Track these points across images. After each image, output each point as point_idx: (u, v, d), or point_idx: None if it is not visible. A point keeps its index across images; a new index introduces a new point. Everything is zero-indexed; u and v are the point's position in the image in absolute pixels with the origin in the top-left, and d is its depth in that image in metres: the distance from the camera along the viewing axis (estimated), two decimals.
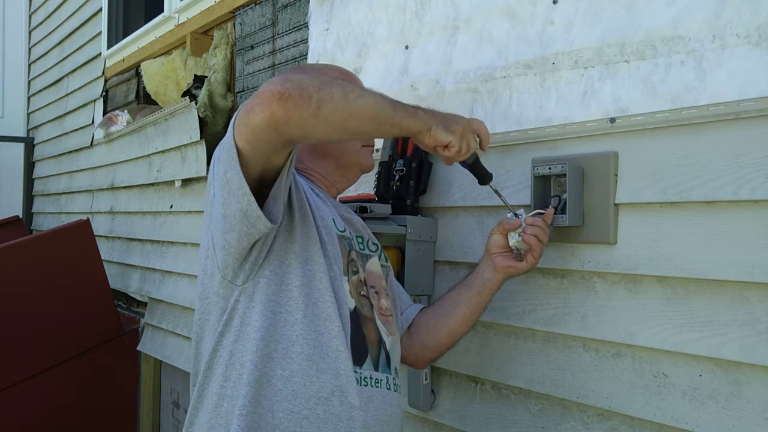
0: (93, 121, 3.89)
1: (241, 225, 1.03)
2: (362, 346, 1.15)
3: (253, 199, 1.00)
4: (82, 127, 4.07)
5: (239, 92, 2.50)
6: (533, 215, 1.24)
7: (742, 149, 1.06)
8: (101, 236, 3.56)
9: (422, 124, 1.09)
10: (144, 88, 3.20)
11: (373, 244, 1.29)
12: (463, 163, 1.20)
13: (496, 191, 1.25)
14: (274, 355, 1.06)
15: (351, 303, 1.15)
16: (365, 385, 1.12)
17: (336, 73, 1.29)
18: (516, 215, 1.23)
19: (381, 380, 1.15)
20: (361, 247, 1.24)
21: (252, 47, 2.43)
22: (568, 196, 1.25)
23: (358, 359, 1.12)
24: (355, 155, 1.28)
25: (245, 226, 1.03)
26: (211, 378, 1.10)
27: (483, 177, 1.23)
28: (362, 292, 1.19)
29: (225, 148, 1.02)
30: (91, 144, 3.88)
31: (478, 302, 1.29)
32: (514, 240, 1.23)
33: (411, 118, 1.08)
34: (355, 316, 1.15)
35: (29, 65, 5.27)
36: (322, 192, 1.25)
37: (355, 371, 1.11)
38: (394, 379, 1.19)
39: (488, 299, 1.29)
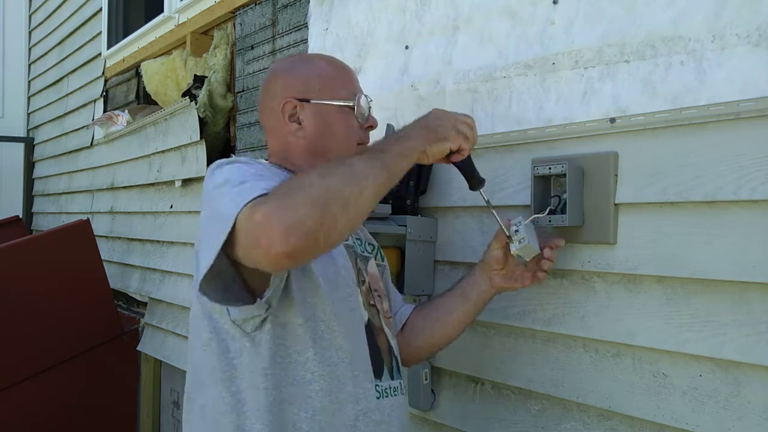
0: (93, 121, 3.89)
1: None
2: (378, 358, 1.15)
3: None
4: (82, 127, 4.07)
5: (239, 92, 2.50)
6: (531, 221, 1.23)
7: (742, 149, 1.06)
8: (101, 236, 3.56)
9: (416, 151, 1.06)
10: (144, 88, 3.20)
11: (369, 244, 1.28)
12: (456, 163, 1.16)
13: (487, 201, 1.22)
14: (294, 399, 1.03)
15: (365, 315, 1.15)
16: (385, 397, 1.13)
17: (327, 65, 1.24)
18: (515, 230, 1.21)
19: (397, 388, 1.17)
20: (362, 249, 1.23)
21: (252, 47, 2.43)
22: (568, 196, 1.25)
23: (377, 373, 1.13)
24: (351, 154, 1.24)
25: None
26: (218, 429, 1.04)
27: (475, 181, 1.19)
28: (371, 302, 1.18)
29: (218, 220, 0.91)
30: (91, 144, 3.88)
31: (474, 310, 1.31)
32: (515, 248, 1.21)
33: (404, 158, 1.04)
34: (370, 330, 1.15)
35: (29, 65, 5.28)
36: None
37: (376, 385, 1.12)
38: (402, 382, 1.20)
39: (483, 307, 1.31)
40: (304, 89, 1.18)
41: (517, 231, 1.21)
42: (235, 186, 0.94)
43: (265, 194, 0.89)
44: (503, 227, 1.21)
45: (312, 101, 1.18)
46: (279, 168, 1.15)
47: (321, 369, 1.05)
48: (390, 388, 1.15)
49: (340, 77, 1.22)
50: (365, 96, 1.22)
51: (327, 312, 1.07)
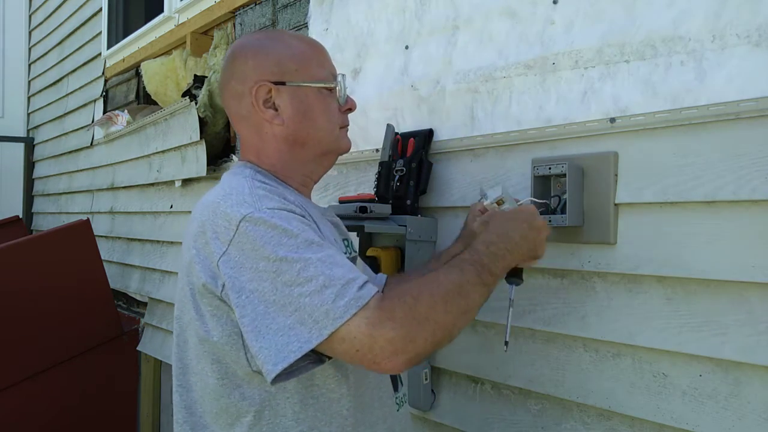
0: (93, 122, 3.89)
1: None
2: None
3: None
4: (82, 127, 4.07)
5: None
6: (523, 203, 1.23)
7: (742, 149, 1.06)
8: (101, 236, 3.56)
9: (511, 267, 1.09)
10: (144, 88, 3.20)
11: (351, 242, 1.22)
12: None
13: (511, 299, 1.19)
14: None
15: None
16: (402, 405, 1.15)
17: (300, 43, 1.13)
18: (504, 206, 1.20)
19: (406, 393, 1.19)
20: (349, 251, 1.17)
21: None
22: (568, 196, 1.25)
23: (394, 386, 1.14)
24: (335, 141, 1.13)
25: None
26: None
27: (517, 279, 1.17)
28: None
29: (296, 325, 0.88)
30: (91, 144, 3.88)
31: None
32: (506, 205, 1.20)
33: (502, 275, 1.07)
34: None
35: (29, 65, 5.28)
36: (308, 201, 1.12)
37: (396, 398, 1.13)
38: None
39: None
40: (278, 71, 1.07)
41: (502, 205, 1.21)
42: (308, 275, 0.88)
43: (372, 296, 0.88)
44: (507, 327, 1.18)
45: (288, 84, 1.07)
46: (268, 178, 1.07)
47: (354, 402, 1.03)
48: (404, 396, 1.17)
49: (315, 56, 1.12)
50: (342, 75, 1.13)
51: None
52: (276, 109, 1.07)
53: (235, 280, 0.91)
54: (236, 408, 0.98)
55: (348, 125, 1.18)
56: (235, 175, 1.06)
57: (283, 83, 1.07)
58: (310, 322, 0.87)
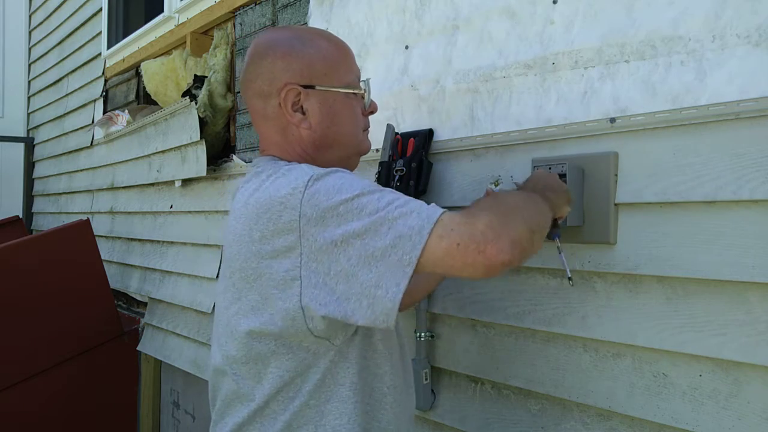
0: (93, 121, 3.89)
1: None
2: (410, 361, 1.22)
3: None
4: (82, 127, 4.07)
5: (239, 92, 2.50)
6: None
7: (742, 149, 1.06)
8: (101, 236, 3.56)
9: (556, 209, 1.12)
10: (144, 88, 3.20)
11: None
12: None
13: (558, 247, 1.22)
14: (368, 409, 1.04)
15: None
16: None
17: (330, 45, 1.12)
18: None
19: None
20: None
21: None
22: None
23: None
24: (358, 143, 1.15)
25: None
26: None
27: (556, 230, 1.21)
28: None
29: (392, 251, 0.89)
30: (91, 144, 3.88)
31: None
32: None
33: (551, 213, 1.08)
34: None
35: (29, 65, 5.28)
36: None
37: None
38: None
39: None
40: (308, 74, 1.07)
41: None
42: (388, 199, 0.91)
43: (451, 210, 0.92)
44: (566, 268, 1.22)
45: (317, 88, 1.07)
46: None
47: (394, 381, 1.08)
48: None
49: (344, 60, 1.12)
50: (368, 79, 1.15)
51: (394, 325, 1.08)
52: (303, 113, 1.08)
53: (319, 236, 0.91)
54: (301, 379, 1.00)
55: (369, 127, 1.19)
56: (284, 171, 1.01)
57: (312, 87, 1.07)
58: (407, 230, 0.88)
